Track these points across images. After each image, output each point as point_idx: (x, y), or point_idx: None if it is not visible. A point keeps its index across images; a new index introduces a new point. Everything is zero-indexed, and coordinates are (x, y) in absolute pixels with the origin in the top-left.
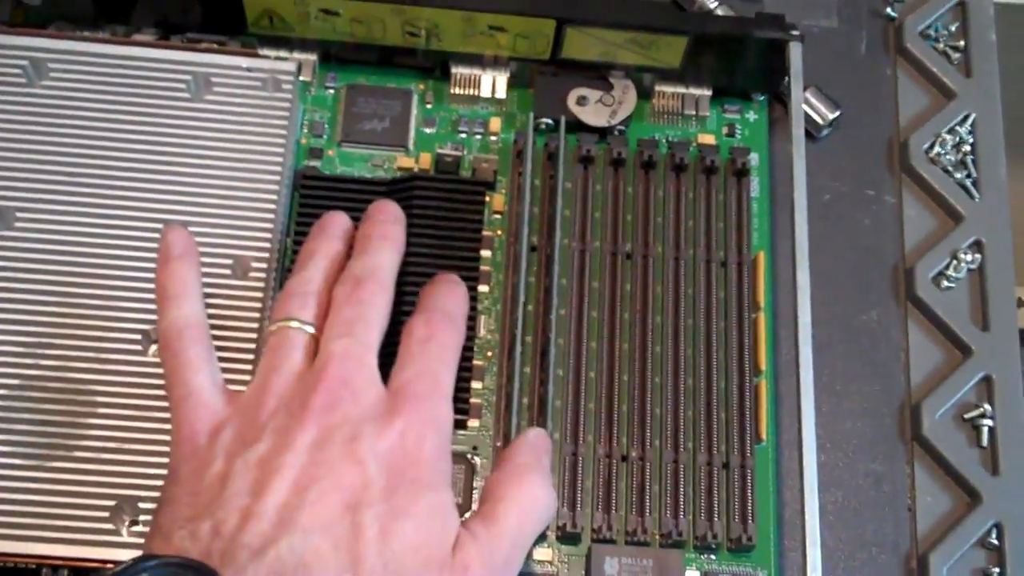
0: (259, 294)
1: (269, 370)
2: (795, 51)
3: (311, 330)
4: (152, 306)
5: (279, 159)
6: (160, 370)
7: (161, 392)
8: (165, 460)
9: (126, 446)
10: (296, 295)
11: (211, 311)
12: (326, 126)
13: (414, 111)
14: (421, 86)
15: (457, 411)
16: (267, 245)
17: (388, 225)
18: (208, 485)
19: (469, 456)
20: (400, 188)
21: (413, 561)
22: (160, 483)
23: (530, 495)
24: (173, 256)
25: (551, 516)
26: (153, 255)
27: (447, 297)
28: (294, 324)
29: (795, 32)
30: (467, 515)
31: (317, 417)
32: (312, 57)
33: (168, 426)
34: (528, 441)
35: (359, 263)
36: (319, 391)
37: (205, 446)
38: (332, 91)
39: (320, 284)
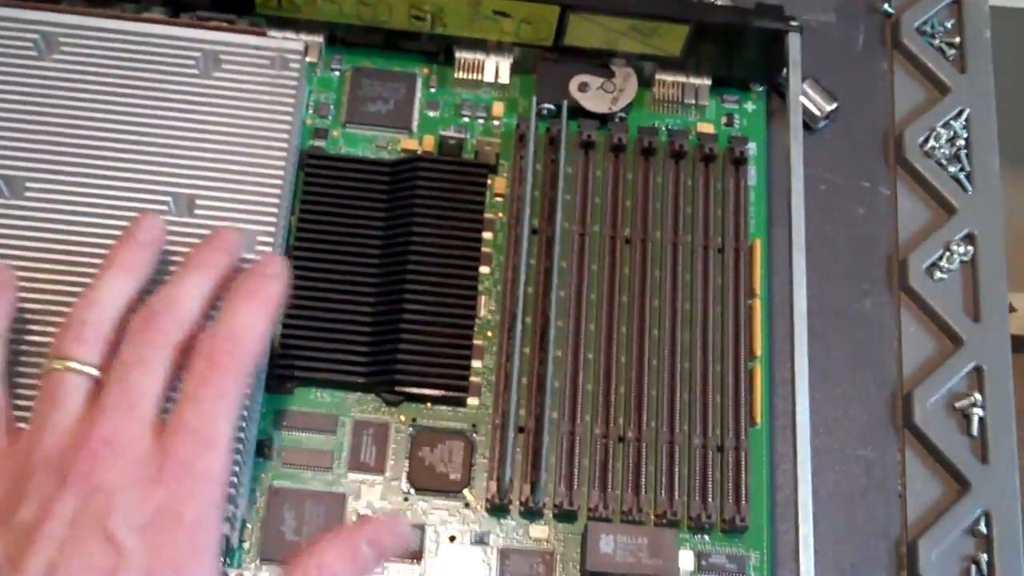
0: None
1: (40, 422)
2: (794, 42)
3: (93, 372)
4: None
5: (285, 137)
6: None
7: None
8: None
9: None
10: (78, 326)
11: None
12: (331, 107)
13: (418, 94)
14: (425, 70)
15: (457, 389)
16: (273, 221)
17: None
18: None
19: (468, 434)
20: (403, 169)
21: None
22: None
23: None
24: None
25: None
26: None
27: (244, 309)
28: (72, 365)
29: (794, 23)
30: None
31: (77, 483)
32: (318, 39)
33: None
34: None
35: (161, 293)
36: (80, 453)
37: None
38: (338, 73)
39: (112, 312)
